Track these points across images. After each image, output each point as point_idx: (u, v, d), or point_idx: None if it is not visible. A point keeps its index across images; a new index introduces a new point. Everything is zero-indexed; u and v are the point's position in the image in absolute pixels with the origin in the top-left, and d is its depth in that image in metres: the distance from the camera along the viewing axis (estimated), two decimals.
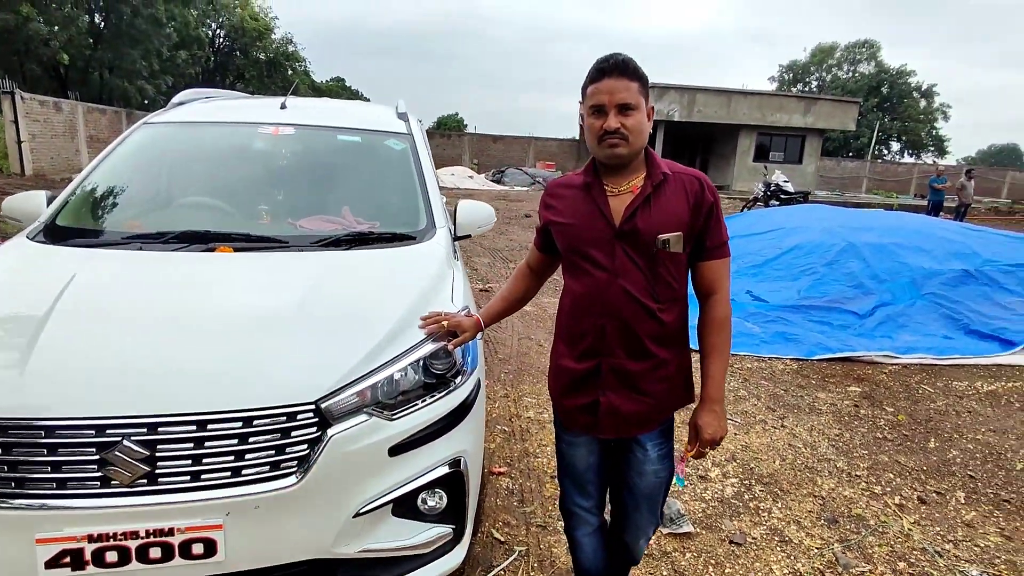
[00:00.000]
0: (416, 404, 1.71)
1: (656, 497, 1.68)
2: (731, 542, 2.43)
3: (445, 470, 1.75)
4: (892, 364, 4.68)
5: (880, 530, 2.56)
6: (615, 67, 1.44)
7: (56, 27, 21.18)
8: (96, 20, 24.46)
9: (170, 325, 1.68)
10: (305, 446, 1.53)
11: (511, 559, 2.28)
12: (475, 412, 1.89)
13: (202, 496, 1.45)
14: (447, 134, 31.35)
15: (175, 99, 3.15)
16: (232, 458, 1.48)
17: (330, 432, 1.55)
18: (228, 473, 1.48)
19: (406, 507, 1.71)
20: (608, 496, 1.77)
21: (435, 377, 1.80)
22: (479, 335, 1.87)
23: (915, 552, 2.42)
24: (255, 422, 1.49)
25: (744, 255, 7.71)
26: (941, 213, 15.01)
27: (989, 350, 4.93)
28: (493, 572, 2.21)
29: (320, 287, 1.90)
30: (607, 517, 1.82)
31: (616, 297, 1.51)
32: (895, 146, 49.78)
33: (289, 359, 1.61)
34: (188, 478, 1.45)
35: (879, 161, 36.25)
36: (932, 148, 49.73)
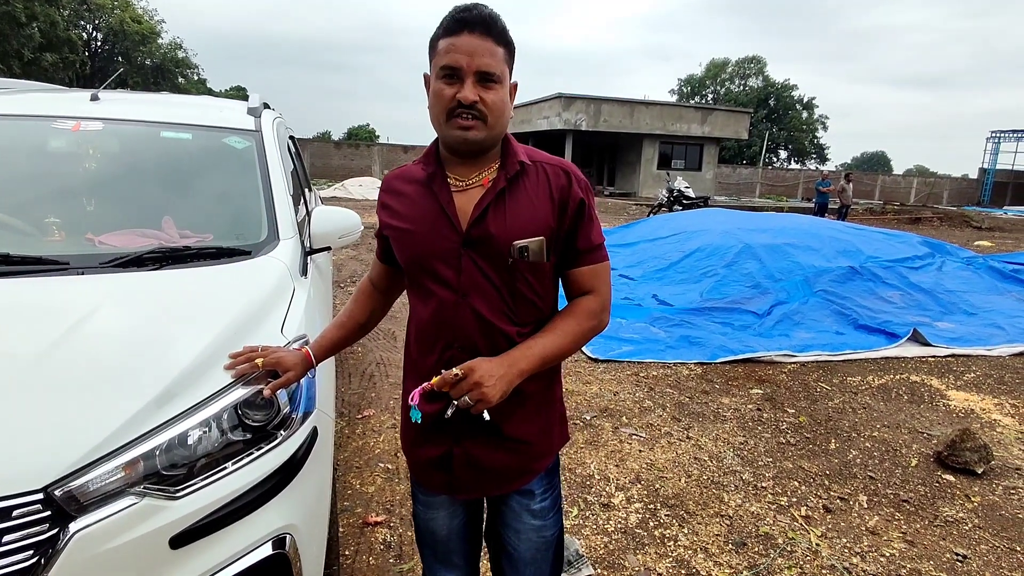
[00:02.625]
0: (222, 468, 1.30)
1: (542, 564, 1.33)
2: None
3: (265, 553, 1.33)
4: (791, 363, 4.71)
5: (788, 549, 2.39)
6: (480, 21, 1.09)
7: None
8: None
9: None
10: (31, 552, 1.08)
11: None
12: (310, 469, 1.49)
13: None
14: (356, 144, 30.32)
15: None
16: None
17: (72, 527, 1.11)
18: None
19: None
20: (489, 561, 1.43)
21: (251, 431, 1.39)
22: (311, 372, 1.47)
23: (824, 572, 2.26)
24: None
25: (650, 260, 7.74)
26: (826, 214, 16.12)
27: (877, 343, 5.09)
28: None
29: (90, 323, 1.42)
30: None
31: (466, 322, 1.17)
32: (783, 154, 53.90)
33: (8, 430, 1.14)
34: None
35: (770, 168, 38.95)
36: (815, 155, 54.29)
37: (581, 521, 2.52)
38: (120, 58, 30.25)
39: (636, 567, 2.25)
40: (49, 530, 1.09)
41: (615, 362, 4.54)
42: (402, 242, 1.24)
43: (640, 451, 3.14)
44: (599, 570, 2.22)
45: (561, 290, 1.29)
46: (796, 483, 2.92)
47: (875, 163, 77.70)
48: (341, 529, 2.35)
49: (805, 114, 52.22)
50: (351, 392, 3.77)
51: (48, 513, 1.09)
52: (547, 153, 1.27)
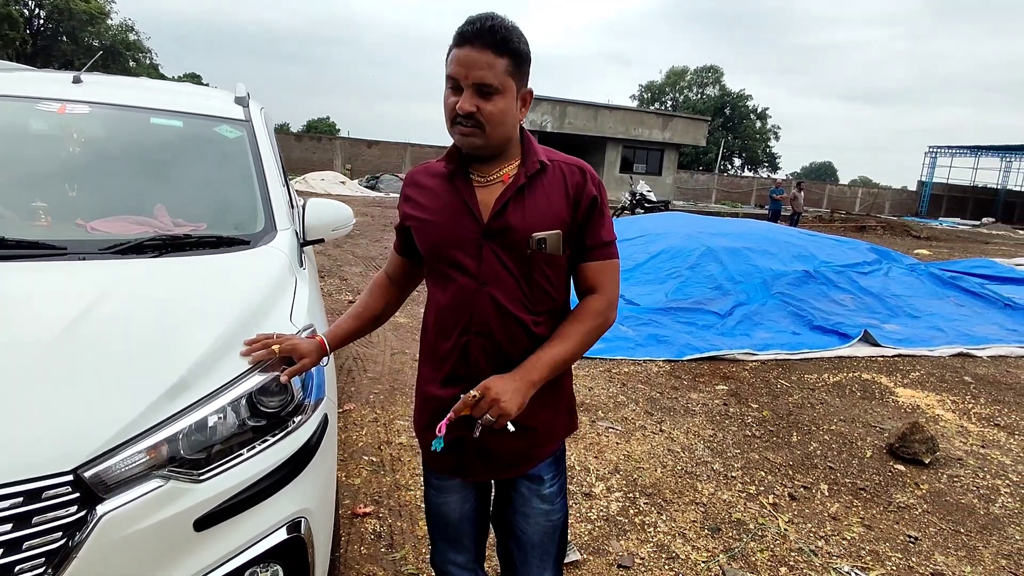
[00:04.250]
0: (238, 455, 1.32)
1: (548, 546, 1.39)
2: (619, 566, 2.27)
3: (281, 537, 1.36)
4: (752, 361, 4.94)
5: (759, 534, 2.54)
6: (479, 34, 1.13)
7: None
8: None
9: None
10: (59, 535, 1.08)
11: None
12: (322, 456, 1.52)
13: None
14: (317, 137, 29.69)
15: None
16: None
17: (100, 510, 1.11)
18: None
19: None
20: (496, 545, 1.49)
21: (266, 417, 1.41)
22: (324, 360, 1.50)
23: (793, 554, 2.42)
24: None
25: None
26: (779, 220, 16.79)
27: (831, 343, 5.39)
28: None
29: (100, 309, 1.41)
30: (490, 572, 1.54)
31: (484, 309, 1.23)
32: (737, 161, 55.72)
33: (36, 414, 1.14)
34: None
35: (725, 174, 40.21)
36: (767, 164, 56.35)
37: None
38: (65, 38, 28.73)
39: (620, 552, 2.35)
40: (78, 512, 1.10)
41: (588, 359, 4.66)
42: (425, 231, 1.30)
43: (617, 443, 3.26)
44: (585, 555, 2.31)
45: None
46: (763, 473, 3.09)
47: (823, 173, 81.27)
48: None
49: (759, 123, 54.18)
50: None
51: (77, 495, 1.10)
52: (563, 153, 1.35)
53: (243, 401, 1.37)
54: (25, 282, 1.51)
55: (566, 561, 2.24)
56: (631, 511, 2.64)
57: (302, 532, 1.40)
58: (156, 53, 33.94)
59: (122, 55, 30.38)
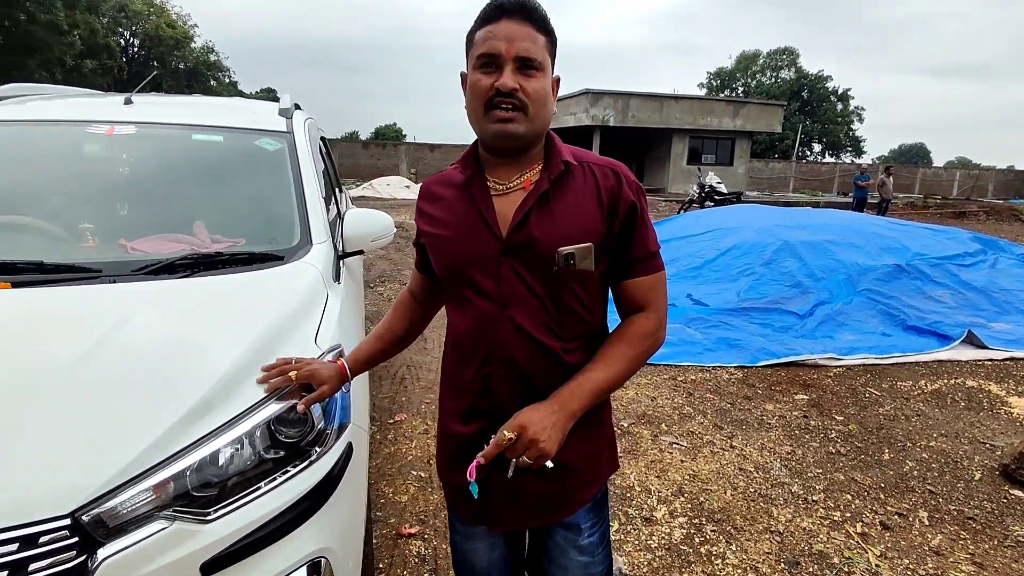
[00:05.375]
0: (251, 491, 1.23)
1: None
2: None
3: None
4: (836, 366, 4.50)
5: (845, 569, 2.24)
6: (519, 7, 1.02)
7: None
8: None
9: None
10: None
11: None
12: (346, 487, 1.42)
13: None
14: (383, 143, 30.53)
15: None
16: None
17: (101, 554, 1.05)
18: None
19: None
20: None
21: (284, 448, 1.32)
22: (345, 387, 1.40)
23: None
24: None
25: (683, 257, 7.54)
26: (864, 209, 15.57)
27: (928, 346, 4.84)
28: None
29: (119, 334, 1.38)
30: None
31: (506, 335, 1.08)
32: (817, 147, 52.50)
33: (34, 451, 1.09)
34: None
35: (803, 161, 37.96)
36: (850, 148, 52.79)
37: (623, 536, 2.41)
38: (155, 63, 31.03)
39: None
40: (77, 557, 1.04)
41: (650, 365, 4.40)
42: (439, 250, 1.16)
43: (682, 461, 3.01)
44: None
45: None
46: (849, 497, 2.76)
47: (914, 155, 75.21)
48: (375, 540, 2.29)
49: (840, 106, 50.76)
50: (382, 396, 3.72)
51: (75, 539, 1.04)
52: (594, 153, 1.17)
53: (259, 431, 1.28)
54: (55, 306, 1.50)
55: None
56: (696, 539, 2.41)
57: (321, 573, 1.30)
58: (234, 71, 36.12)
59: (204, 75, 32.48)
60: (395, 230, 2.39)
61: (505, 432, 1.00)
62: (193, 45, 32.19)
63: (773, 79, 51.44)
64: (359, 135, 39.89)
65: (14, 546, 1.00)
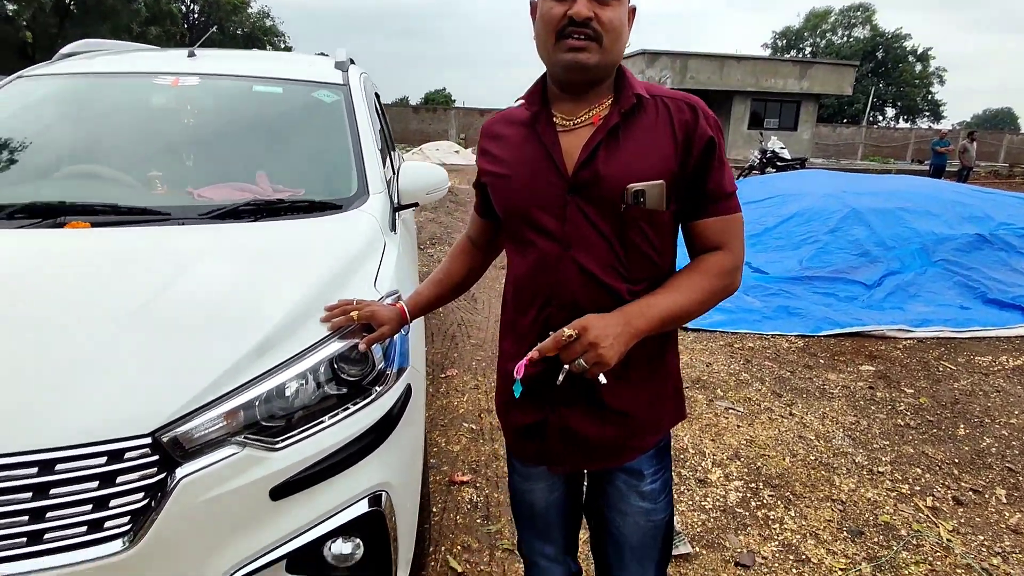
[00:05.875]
0: (316, 424, 1.26)
1: (649, 549, 1.19)
2: (737, 564, 2.02)
3: (361, 509, 1.30)
4: (907, 339, 4.27)
5: (914, 542, 2.15)
6: None
7: (19, 5, 20.21)
8: None
9: None
10: (140, 495, 1.08)
11: None
12: (405, 427, 1.44)
13: None
14: (433, 108, 30.51)
15: (63, 50, 2.62)
16: (26, 518, 1.03)
17: (179, 473, 1.10)
18: (23, 540, 1.03)
19: (307, 562, 1.27)
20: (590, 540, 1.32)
21: (347, 385, 1.34)
22: (404, 329, 1.40)
23: (959, 571, 2.01)
24: (57, 467, 1.03)
25: None
26: (943, 177, 14.54)
27: (1012, 320, 4.51)
28: None
29: (191, 271, 1.42)
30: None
31: (568, 277, 1.04)
32: (890, 111, 49.17)
33: (119, 375, 1.14)
34: None
35: (875, 127, 35.63)
36: (928, 113, 49.20)
37: (676, 496, 2.37)
38: (215, 28, 31.85)
39: (738, 548, 2.09)
40: (158, 474, 1.09)
41: (707, 332, 4.28)
42: (501, 190, 1.12)
43: (738, 426, 2.93)
44: (697, 548, 2.09)
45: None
46: (919, 470, 2.62)
47: (1000, 121, 69.34)
48: (429, 485, 2.35)
49: (919, 67, 47.08)
50: (434, 352, 3.77)
51: (156, 458, 1.09)
52: (668, 88, 1.10)
53: (322, 368, 1.31)
54: (131, 245, 1.56)
55: (675, 553, 2.03)
56: (752, 503, 2.35)
57: (382, 506, 1.33)
58: (289, 36, 36.59)
59: (260, 40, 33.08)
60: (449, 184, 2.37)
61: (566, 330, 0.96)
62: (249, 10, 32.77)
63: (845, 38, 48.09)
64: (409, 100, 39.98)
65: (103, 459, 1.05)
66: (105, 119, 2.22)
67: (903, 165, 23.93)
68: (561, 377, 1.00)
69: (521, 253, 1.12)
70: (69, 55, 2.57)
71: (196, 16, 32.02)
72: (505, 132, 1.14)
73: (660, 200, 1.02)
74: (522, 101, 1.12)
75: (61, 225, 1.60)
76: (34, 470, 1.03)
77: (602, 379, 0.99)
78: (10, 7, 19.07)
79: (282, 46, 35.03)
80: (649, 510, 1.16)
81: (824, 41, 48.67)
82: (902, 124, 46.25)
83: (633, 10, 1.06)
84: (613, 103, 1.05)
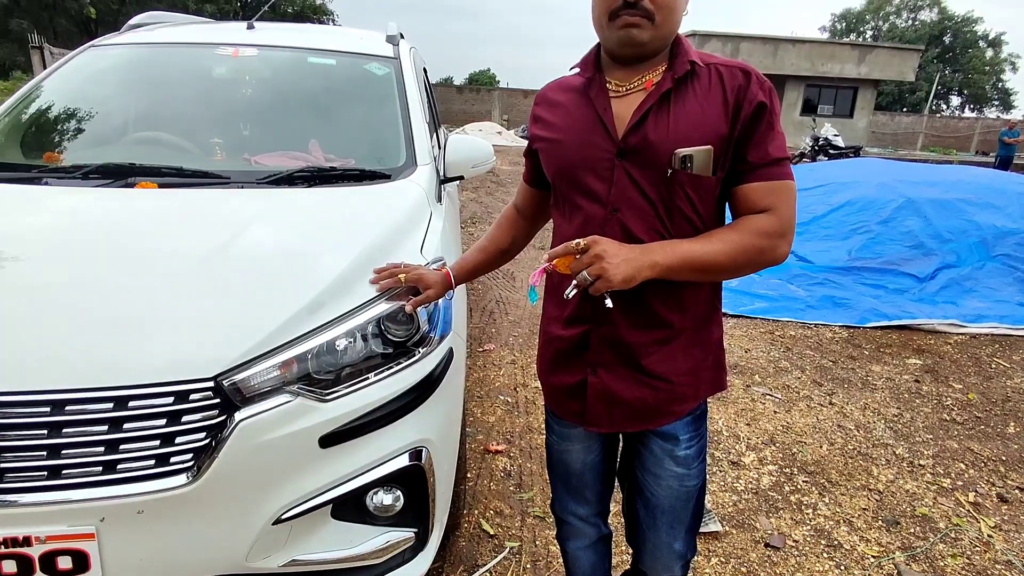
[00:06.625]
0: (362, 380, 1.32)
1: (681, 513, 1.21)
2: (767, 545, 2.02)
3: (402, 463, 1.37)
4: (958, 334, 4.11)
5: (952, 535, 2.11)
6: None
7: None
8: None
9: (31, 278, 1.31)
10: (203, 434, 1.17)
11: (499, 558, 1.92)
12: (445, 389, 1.49)
13: (63, 497, 1.11)
14: (476, 89, 30.43)
15: (131, 21, 2.75)
16: (102, 449, 1.12)
17: (238, 416, 1.18)
18: (99, 468, 1.12)
19: (350, 509, 1.35)
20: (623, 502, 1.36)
21: (392, 345, 1.40)
22: (449, 293, 1.45)
23: (998, 567, 1.97)
24: (130, 404, 1.13)
25: None
26: (1010, 169, 13.73)
27: None
28: (478, 573, 1.86)
29: (249, 231, 1.50)
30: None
31: (613, 239, 1.06)
32: (955, 100, 46.52)
33: (185, 322, 1.23)
34: (45, 473, 1.11)
35: (937, 115, 33.81)
36: (997, 102, 46.33)
37: (707, 477, 2.38)
38: (268, 6, 32.41)
39: (768, 530, 2.09)
40: (219, 416, 1.17)
41: (747, 318, 4.22)
42: (552, 153, 1.15)
43: (775, 412, 2.91)
44: (727, 527, 2.10)
45: None
46: (963, 466, 2.55)
47: None
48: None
49: (990, 53, 44.27)
50: (473, 326, 3.84)
51: (218, 400, 1.17)
52: (724, 57, 1.09)
53: (371, 327, 1.37)
54: (194, 205, 1.66)
55: (704, 531, 2.05)
56: (786, 488, 2.34)
57: (423, 461, 1.39)
58: (338, 15, 36.99)
59: (310, 19, 33.54)
60: (494, 159, 2.39)
61: (579, 239, 1.00)
62: None
63: (910, 21, 45.56)
64: (453, 80, 39.97)
65: (171, 399, 1.14)
66: (170, 87, 2.33)
67: (966, 156, 22.70)
68: (569, 292, 1.01)
69: (568, 217, 1.14)
70: (136, 26, 2.69)
71: None
72: (559, 98, 1.17)
73: (707, 165, 1.02)
74: (577, 69, 1.15)
75: (131, 185, 1.71)
76: (110, 405, 1.12)
77: (608, 303, 1.00)
78: None
79: (331, 25, 35.44)
80: (682, 475, 1.19)
81: (887, 24, 46.22)
82: (968, 113, 43.70)
83: None
84: (667, 69, 1.05)
